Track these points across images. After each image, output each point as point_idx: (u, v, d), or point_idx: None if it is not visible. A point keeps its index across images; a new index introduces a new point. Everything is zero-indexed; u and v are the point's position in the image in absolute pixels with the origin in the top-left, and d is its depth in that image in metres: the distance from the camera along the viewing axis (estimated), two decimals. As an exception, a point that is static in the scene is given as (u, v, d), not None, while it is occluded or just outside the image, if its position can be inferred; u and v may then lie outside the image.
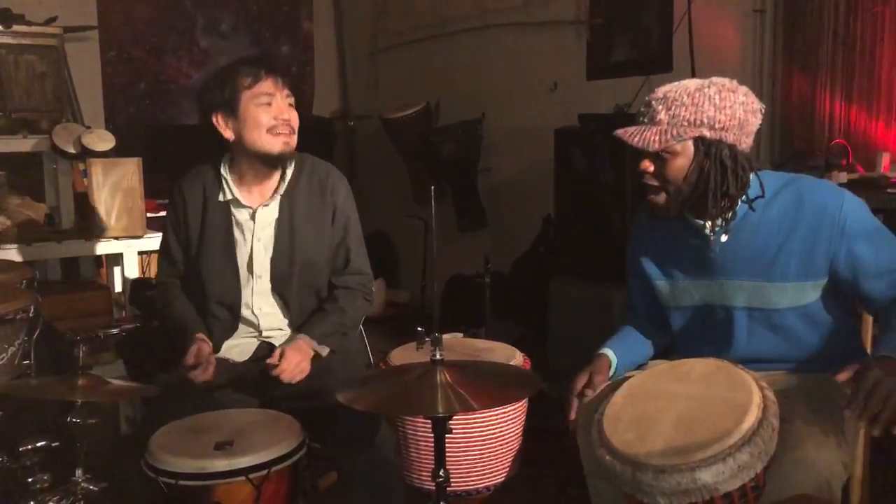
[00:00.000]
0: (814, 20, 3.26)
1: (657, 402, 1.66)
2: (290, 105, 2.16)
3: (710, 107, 1.69)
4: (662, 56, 3.71)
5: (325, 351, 2.14)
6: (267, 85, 2.10)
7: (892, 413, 1.46)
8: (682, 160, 1.72)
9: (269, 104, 2.10)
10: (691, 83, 1.73)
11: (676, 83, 1.75)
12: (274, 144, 2.11)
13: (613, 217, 3.40)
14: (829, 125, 3.23)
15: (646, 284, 1.99)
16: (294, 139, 2.16)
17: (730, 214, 1.77)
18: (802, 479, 1.55)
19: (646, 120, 1.74)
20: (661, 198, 1.77)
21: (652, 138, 1.70)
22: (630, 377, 1.81)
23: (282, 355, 2.05)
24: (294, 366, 2.04)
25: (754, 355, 1.83)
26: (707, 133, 1.70)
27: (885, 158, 2.89)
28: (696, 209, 1.79)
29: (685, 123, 1.69)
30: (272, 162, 2.16)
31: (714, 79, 1.74)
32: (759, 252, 1.77)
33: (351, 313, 2.24)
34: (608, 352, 1.94)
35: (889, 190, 2.69)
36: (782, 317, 1.79)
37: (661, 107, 1.72)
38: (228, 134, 2.14)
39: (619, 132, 1.76)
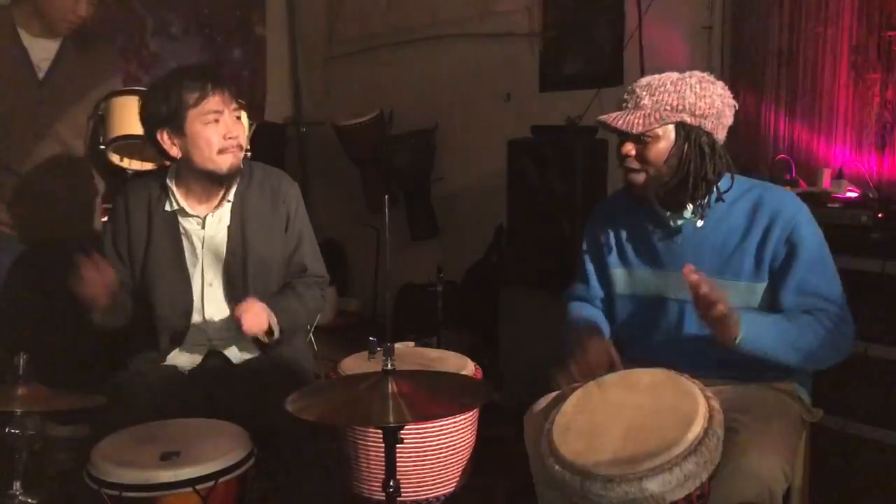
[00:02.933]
0: (759, 39, 3.35)
1: (606, 411, 1.68)
2: (238, 119, 2.09)
3: (692, 94, 1.76)
4: (614, 70, 3.77)
5: (277, 331, 2.08)
6: (214, 101, 2.03)
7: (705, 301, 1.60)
8: (663, 144, 1.78)
9: (217, 121, 2.04)
10: (673, 74, 1.80)
11: (658, 74, 1.81)
12: (222, 164, 2.06)
13: (564, 228, 3.44)
14: (774, 141, 3.32)
15: (603, 271, 2.05)
16: (241, 154, 2.11)
17: (706, 200, 1.82)
18: (746, 487, 1.58)
19: (630, 105, 1.80)
20: (641, 177, 1.82)
21: (635, 122, 1.75)
22: (579, 387, 1.83)
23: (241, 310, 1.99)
24: (253, 313, 1.99)
25: (701, 351, 1.87)
26: (688, 119, 1.76)
27: (827, 174, 2.98)
28: (670, 196, 1.83)
29: (668, 108, 1.75)
30: (220, 180, 2.11)
31: (695, 71, 1.81)
32: (717, 248, 1.83)
33: (306, 300, 2.21)
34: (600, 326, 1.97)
35: (830, 205, 2.77)
36: None
37: (644, 93, 1.78)
38: (175, 151, 2.07)
39: (603, 117, 1.82)
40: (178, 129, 2.04)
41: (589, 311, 2.09)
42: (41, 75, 2.70)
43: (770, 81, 3.31)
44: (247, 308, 2.00)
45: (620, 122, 1.77)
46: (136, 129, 2.26)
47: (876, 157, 3.01)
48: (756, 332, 1.68)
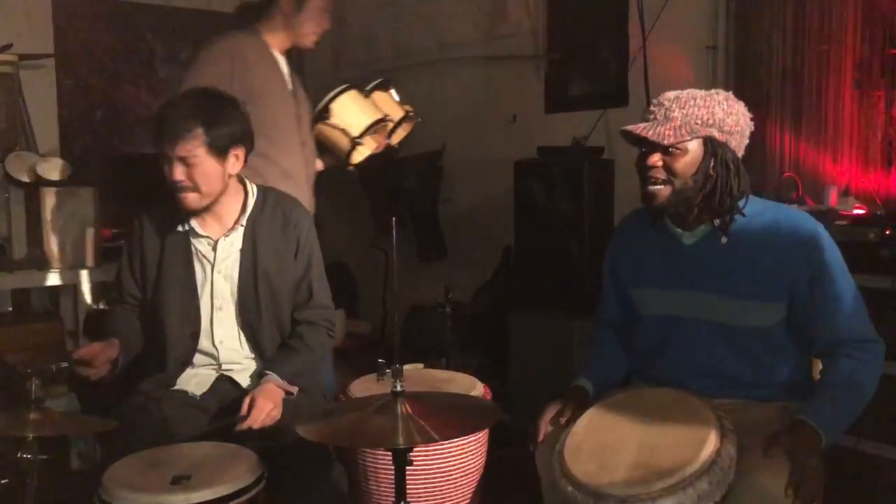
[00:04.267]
0: (763, 57, 3.37)
1: (617, 432, 1.67)
2: (185, 163, 2.01)
3: (720, 110, 1.78)
4: (619, 91, 3.79)
5: (294, 390, 2.11)
6: (163, 148, 2.02)
7: (816, 493, 1.61)
8: (690, 158, 1.78)
9: (168, 165, 2.03)
10: (698, 90, 1.82)
11: (682, 91, 1.82)
12: (178, 202, 2.08)
13: (571, 248, 3.44)
14: (780, 159, 3.32)
15: (620, 291, 2.04)
16: (196, 196, 2.06)
17: (728, 217, 1.82)
18: (759, 506, 1.57)
19: (658, 117, 1.80)
20: (666, 189, 1.81)
21: (666, 133, 1.76)
22: (590, 407, 1.82)
23: (251, 405, 1.97)
24: (266, 415, 1.97)
25: (714, 371, 1.87)
26: (717, 134, 1.77)
27: (833, 192, 2.98)
28: (691, 212, 1.84)
29: (698, 122, 1.77)
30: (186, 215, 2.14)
31: (719, 89, 1.83)
32: (731, 268, 1.82)
33: (317, 350, 2.23)
34: (585, 383, 1.96)
35: (837, 222, 2.77)
36: (744, 335, 1.84)
37: (674, 105, 1.79)
38: None
39: (630, 127, 1.81)
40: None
41: (599, 354, 2.08)
42: (290, 87, 2.79)
43: (775, 100, 3.33)
44: (261, 407, 1.97)
45: (651, 132, 1.77)
46: (375, 115, 2.83)
47: (882, 174, 3.01)
48: (830, 426, 1.69)
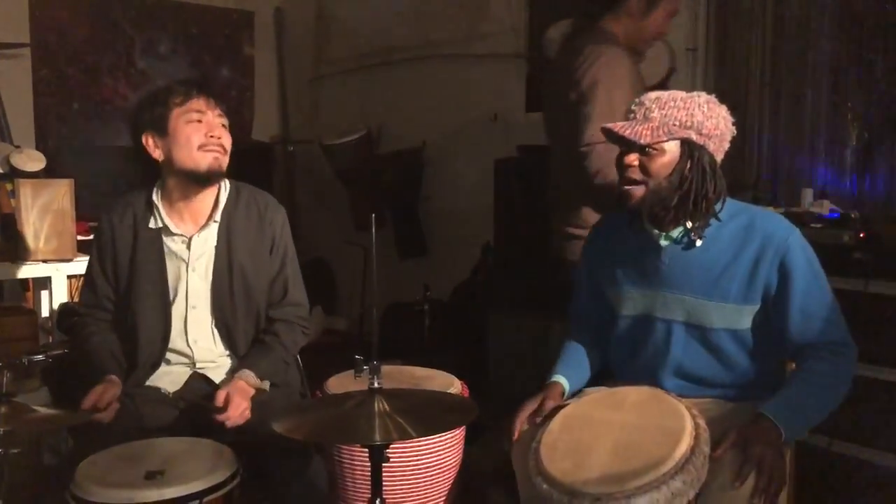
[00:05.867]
0: (742, 61, 3.40)
1: (593, 430, 1.68)
2: (223, 126, 2.13)
3: (700, 113, 1.78)
4: (599, 90, 3.80)
5: (266, 386, 2.11)
6: (198, 103, 2.08)
7: (780, 484, 1.57)
8: (667, 159, 1.79)
9: (200, 121, 2.07)
10: (681, 92, 1.82)
11: (665, 91, 1.83)
12: (202, 161, 2.07)
13: (550, 246, 3.45)
14: (757, 161, 3.35)
15: (596, 291, 2.05)
16: (225, 159, 2.12)
17: (703, 221, 1.83)
18: (731, 505, 1.59)
19: (638, 117, 1.81)
20: (640, 190, 1.81)
21: (643, 132, 1.77)
22: (566, 405, 1.83)
23: (227, 400, 1.97)
24: (240, 412, 1.97)
25: (687, 371, 1.89)
26: (694, 136, 1.78)
27: (809, 194, 3.01)
28: (666, 214, 1.84)
29: (676, 124, 1.77)
30: (200, 180, 2.10)
31: (701, 92, 1.83)
32: (705, 270, 1.83)
33: (291, 348, 2.22)
34: (561, 379, 1.97)
35: (812, 225, 2.79)
36: (717, 336, 1.85)
37: (654, 105, 1.79)
38: (158, 154, 2.10)
39: (609, 125, 1.82)
40: (162, 130, 2.08)
41: (573, 354, 2.08)
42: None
43: (753, 102, 3.36)
44: (237, 404, 1.97)
45: (628, 131, 1.78)
46: None
47: (857, 177, 3.04)
48: (788, 421, 1.67)
